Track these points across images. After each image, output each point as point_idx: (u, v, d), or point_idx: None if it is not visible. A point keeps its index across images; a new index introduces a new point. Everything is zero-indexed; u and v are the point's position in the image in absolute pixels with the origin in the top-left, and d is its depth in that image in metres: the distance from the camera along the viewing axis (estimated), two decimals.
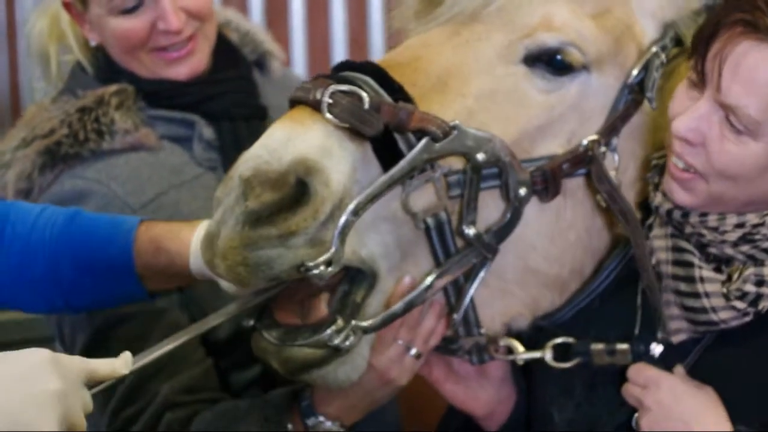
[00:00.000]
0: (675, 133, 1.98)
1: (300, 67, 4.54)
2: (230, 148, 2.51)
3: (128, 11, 2.46)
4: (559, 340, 2.17)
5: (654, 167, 2.13)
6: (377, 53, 4.51)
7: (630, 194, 2.15)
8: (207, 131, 2.53)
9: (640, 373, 2.10)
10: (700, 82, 1.97)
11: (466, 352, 2.17)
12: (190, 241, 2.07)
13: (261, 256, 1.83)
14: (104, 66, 2.56)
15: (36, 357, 1.60)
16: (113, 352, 2.32)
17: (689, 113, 1.96)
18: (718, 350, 2.08)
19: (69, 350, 2.46)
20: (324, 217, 1.84)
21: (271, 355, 1.97)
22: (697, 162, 1.98)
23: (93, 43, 2.56)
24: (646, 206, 2.16)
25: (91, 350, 2.37)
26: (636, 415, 2.10)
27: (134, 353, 2.33)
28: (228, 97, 2.58)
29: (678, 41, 2.15)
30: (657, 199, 2.09)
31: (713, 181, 1.98)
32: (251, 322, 2.00)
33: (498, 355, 2.19)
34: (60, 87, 2.62)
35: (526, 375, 2.31)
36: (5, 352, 1.62)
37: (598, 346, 2.13)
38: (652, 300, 2.07)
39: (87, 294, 2.15)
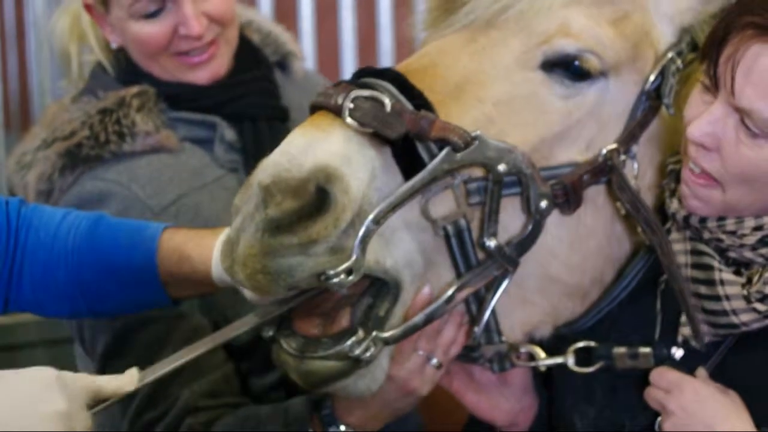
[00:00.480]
0: (690, 138, 1.98)
1: None
2: (252, 149, 2.51)
3: (150, 15, 2.46)
4: (580, 344, 2.17)
5: (670, 173, 2.13)
6: (386, 55, 4.52)
7: (648, 200, 2.14)
8: (228, 133, 2.53)
9: (663, 376, 2.09)
10: (713, 87, 1.97)
11: (488, 360, 2.16)
12: (213, 248, 2.06)
13: (281, 264, 1.82)
14: (126, 68, 2.56)
15: (42, 376, 1.60)
16: (134, 355, 2.36)
17: (704, 118, 1.96)
18: (739, 353, 2.07)
19: (90, 352, 2.47)
20: (345, 225, 1.83)
21: (291, 368, 1.97)
22: (713, 167, 1.98)
23: (114, 46, 2.56)
24: (662, 211, 2.16)
25: (112, 353, 2.39)
26: (659, 419, 2.09)
27: (154, 357, 2.34)
28: (249, 99, 2.58)
29: (694, 46, 2.14)
30: (674, 205, 2.09)
31: (729, 187, 1.98)
32: (270, 333, 1.98)
33: (520, 363, 2.18)
34: (81, 86, 2.62)
35: (547, 384, 2.30)
36: (10, 371, 1.63)
37: (620, 350, 2.13)
38: (685, 307, 2.05)
39: (110, 300, 2.16)
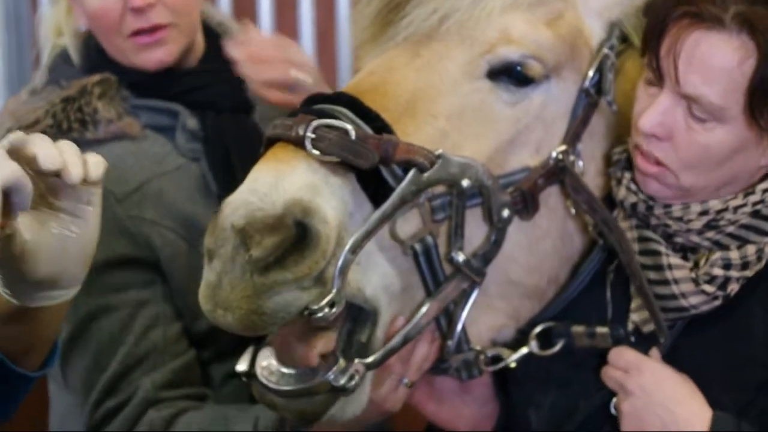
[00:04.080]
0: (642, 130, 2.03)
1: None
2: (214, 139, 2.52)
3: None
4: (539, 328, 2.20)
5: (616, 162, 2.17)
6: (345, 48, 4.52)
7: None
8: (191, 121, 2.53)
9: (621, 356, 2.14)
10: (657, 79, 2.02)
11: (455, 370, 2.18)
12: None
13: (277, 302, 1.82)
14: (94, 54, 2.55)
15: None
16: (95, 341, 2.37)
17: (652, 109, 2.01)
18: (689, 337, 2.13)
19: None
20: (329, 256, 1.84)
21: (281, 408, 1.96)
22: (666, 156, 2.03)
23: (83, 28, 2.55)
24: (609, 201, 2.20)
25: (75, 341, 2.39)
26: (615, 399, 2.13)
27: (116, 346, 2.36)
28: (215, 88, 2.58)
29: (623, 38, 2.19)
30: (621, 193, 2.14)
31: (683, 174, 2.03)
32: (244, 367, 1.96)
33: (488, 368, 2.20)
34: (40, 80, 2.60)
35: (503, 387, 2.32)
36: None
37: (578, 328, 2.17)
38: (646, 303, 2.09)
39: None
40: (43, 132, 2.40)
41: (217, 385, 2.48)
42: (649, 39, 2.04)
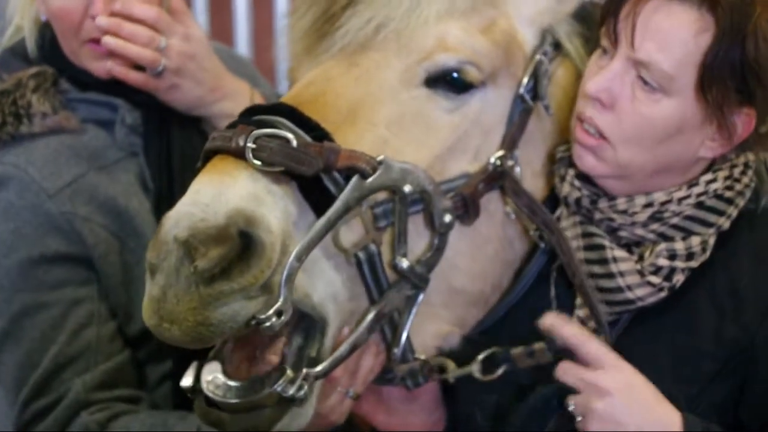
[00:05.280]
0: (587, 93, 2.01)
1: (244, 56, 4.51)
2: (155, 135, 2.48)
3: None
4: (482, 355, 2.15)
5: (560, 159, 2.16)
6: None
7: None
8: (130, 116, 2.49)
9: (589, 350, 2.03)
10: (612, 44, 2.01)
11: (401, 379, 2.16)
12: None
13: (224, 312, 1.79)
14: (48, 46, 2.50)
15: None
16: (28, 339, 2.32)
17: (601, 74, 2.01)
18: (635, 330, 2.10)
19: None
20: (275, 264, 1.82)
21: (229, 426, 1.91)
22: (607, 125, 2.01)
23: (43, 18, 2.49)
24: (549, 203, 2.18)
25: (7, 336, 2.36)
26: (572, 396, 2.04)
27: (48, 344, 2.31)
28: None
29: (556, 45, 2.19)
30: (565, 189, 2.12)
31: (621, 147, 2.01)
32: (188, 382, 1.92)
33: (432, 376, 2.17)
34: None
35: (448, 389, 2.29)
36: None
37: (517, 350, 2.12)
38: (587, 301, 2.07)
39: None
40: None
41: (152, 386, 2.45)
42: (609, 5, 2.03)
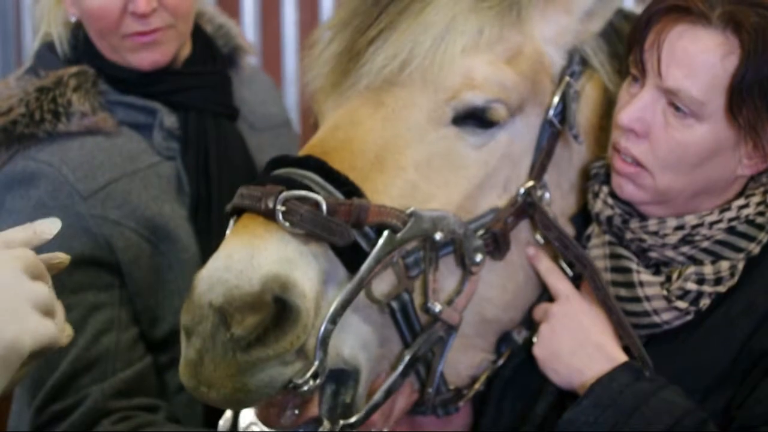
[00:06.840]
0: (620, 124, 2.03)
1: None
2: (193, 139, 2.49)
3: None
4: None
5: (594, 176, 2.17)
6: None
7: (561, 221, 2.19)
8: (168, 120, 2.50)
9: (555, 286, 2.15)
10: (640, 73, 2.03)
11: (432, 408, 2.18)
12: None
13: (262, 378, 1.81)
14: (81, 45, 2.51)
15: None
16: None
17: (633, 104, 2.02)
18: (654, 349, 2.10)
19: None
20: (310, 328, 1.82)
21: None
22: (643, 154, 2.03)
23: (72, 19, 2.51)
24: (583, 215, 2.22)
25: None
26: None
27: (66, 347, 2.27)
28: (201, 91, 2.55)
29: (583, 63, 2.19)
30: (597, 206, 2.14)
31: (659, 174, 2.03)
32: (224, 427, 1.96)
33: (463, 401, 2.21)
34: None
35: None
36: None
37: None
38: (623, 333, 2.08)
39: None
40: (15, 121, 2.37)
41: (172, 392, 2.44)
42: (634, 33, 2.05)
